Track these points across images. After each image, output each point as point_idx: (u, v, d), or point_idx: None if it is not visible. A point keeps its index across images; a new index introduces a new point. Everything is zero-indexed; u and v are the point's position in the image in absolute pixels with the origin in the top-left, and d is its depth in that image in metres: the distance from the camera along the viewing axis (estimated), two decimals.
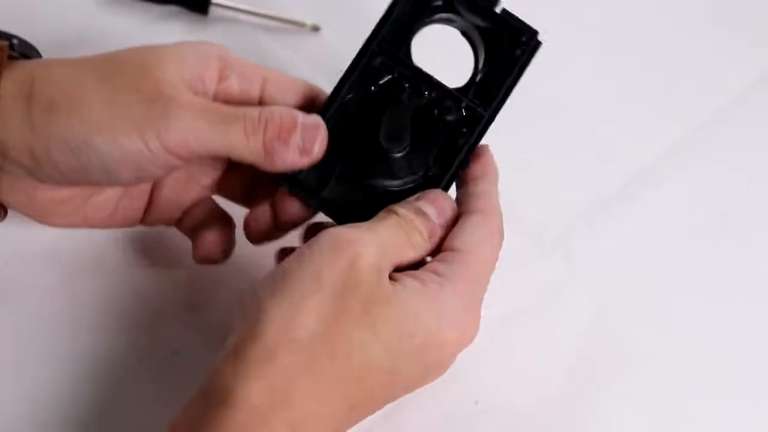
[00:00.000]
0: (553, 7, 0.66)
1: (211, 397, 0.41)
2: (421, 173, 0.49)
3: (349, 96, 0.49)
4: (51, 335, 0.51)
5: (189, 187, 0.52)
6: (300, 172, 0.47)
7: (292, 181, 0.48)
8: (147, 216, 0.52)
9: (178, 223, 0.53)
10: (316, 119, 0.47)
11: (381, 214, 0.47)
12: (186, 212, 0.52)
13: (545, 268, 0.57)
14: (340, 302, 0.43)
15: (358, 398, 0.44)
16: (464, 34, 0.51)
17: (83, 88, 0.45)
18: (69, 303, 0.52)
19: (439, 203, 0.48)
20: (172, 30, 0.62)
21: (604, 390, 0.53)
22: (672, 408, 0.53)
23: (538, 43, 0.50)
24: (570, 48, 0.65)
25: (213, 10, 0.63)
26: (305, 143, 0.46)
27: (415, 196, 0.48)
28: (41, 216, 0.49)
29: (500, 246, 0.49)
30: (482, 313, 0.50)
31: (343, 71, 0.49)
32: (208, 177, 0.52)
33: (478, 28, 0.50)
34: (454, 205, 0.48)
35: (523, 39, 0.50)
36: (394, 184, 0.49)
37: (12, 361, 0.50)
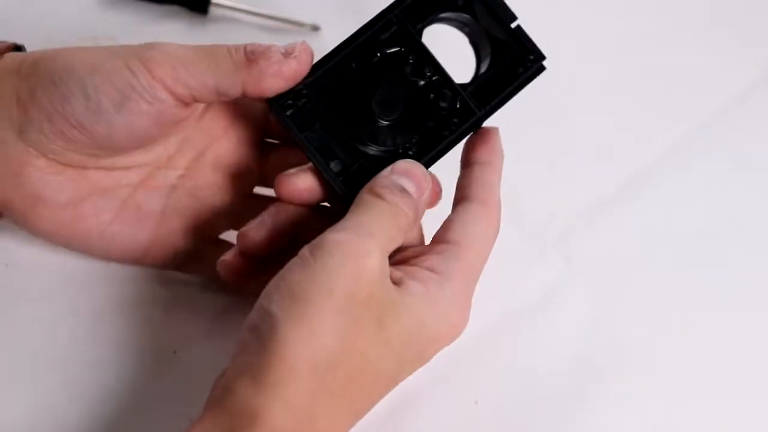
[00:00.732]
0: (553, 7, 0.67)
1: (232, 418, 0.41)
2: (400, 149, 0.49)
3: (354, 55, 0.49)
4: (51, 337, 0.51)
5: (204, 219, 0.52)
6: (288, 106, 0.48)
7: (282, 114, 0.48)
8: (150, 250, 0.51)
9: (187, 265, 0.52)
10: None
11: (365, 197, 0.46)
12: (198, 253, 0.52)
13: (545, 268, 0.57)
14: (354, 318, 0.42)
15: (365, 407, 0.44)
16: (472, 41, 0.52)
17: (73, 48, 0.47)
18: (69, 304, 0.52)
19: (416, 177, 0.47)
20: (172, 29, 0.63)
21: (604, 390, 0.53)
22: (672, 408, 0.53)
23: (542, 68, 0.51)
24: (570, 48, 0.65)
25: (213, 10, 0.63)
26: (287, 49, 0.47)
27: (389, 168, 0.47)
28: (29, 207, 0.48)
29: (495, 239, 0.48)
30: (482, 312, 0.50)
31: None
32: (226, 197, 0.52)
33: (489, 36, 0.51)
34: (428, 175, 0.48)
35: (531, 58, 0.51)
36: (374, 149, 0.49)
37: (11, 363, 0.50)
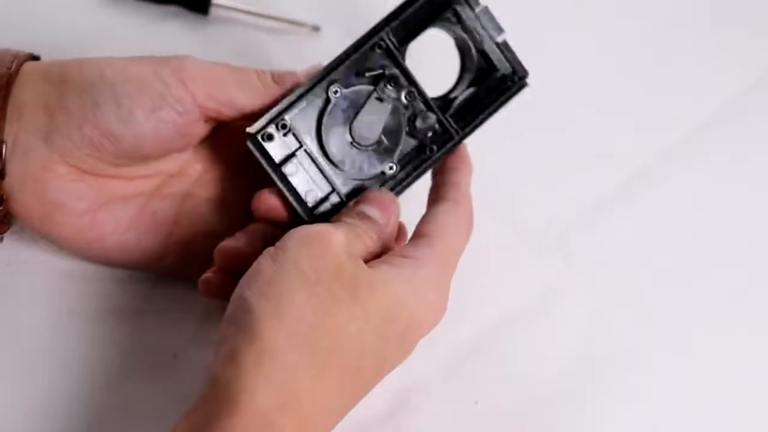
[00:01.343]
0: (553, 7, 0.67)
1: (215, 404, 0.41)
2: (380, 171, 0.50)
3: (338, 80, 0.49)
4: (51, 337, 0.51)
5: (215, 227, 0.52)
6: (269, 137, 0.48)
7: (254, 148, 0.48)
8: (164, 257, 0.52)
9: (201, 273, 0.51)
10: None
11: (328, 223, 0.48)
12: (211, 261, 0.51)
13: (545, 268, 0.57)
14: (328, 291, 0.43)
15: (356, 388, 0.44)
16: (459, 47, 0.52)
17: (102, 58, 0.48)
18: (69, 305, 0.52)
19: (381, 203, 0.48)
20: (173, 30, 0.63)
21: (603, 390, 0.53)
22: (672, 408, 0.53)
23: (524, 85, 0.51)
24: (570, 48, 0.65)
25: (213, 11, 0.63)
26: (308, 70, 0.50)
27: (355, 200, 0.49)
28: (47, 213, 0.48)
29: (469, 232, 0.50)
30: (482, 312, 0.50)
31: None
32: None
33: (476, 48, 0.51)
34: (397, 201, 0.49)
35: (514, 75, 0.51)
36: (351, 174, 0.50)
37: (11, 363, 0.50)
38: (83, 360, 0.50)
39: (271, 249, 0.44)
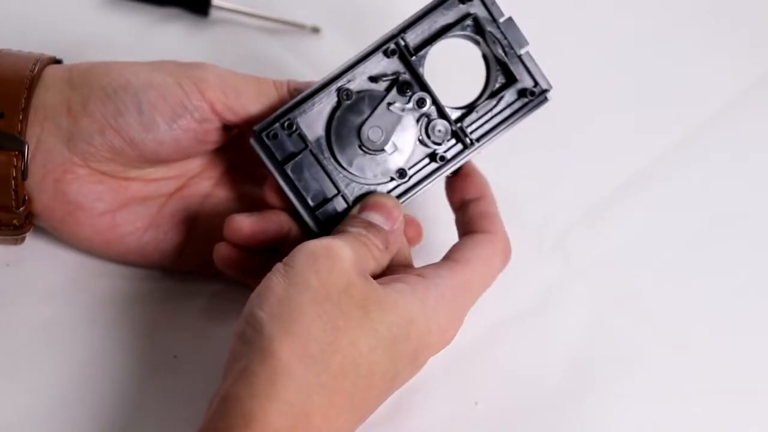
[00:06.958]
0: (553, 7, 0.67)
1: (226, 421, 0.41)
2: (388, 177, 0.50)
3: (351, 83, 0.49)
4: (51, 337, 0.51)
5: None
6: (274, 136, 0.48)
7: (258, 147, 0.48)
8: (183, 255, 0.52)
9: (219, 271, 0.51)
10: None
11: (333, 233, 0.47)
12: None
13: (545, 268, 0.57)
14: (338, 308, 0.43)
15: (365, 408, 0.44)
16: (484, 56, 0.51)
17: (123, 63, 0.49)
18: (70, 305, 0.52)
19: (384, 209, 0.48)
20: (173, 32, 0.63)
21: (603, 390, 0.53)
22: (672, 408, 0.53)
23: (545, 99, 0.50)
24: (570, 48, 0.65)
25: (213, 12, 0.63)
26: None
27: (357, 207, 0.48)
28: (67, 214, 0.49)
29: (505, 262, 0.50)
30: (482, 313, 0.50)
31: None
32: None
33: (497, 59, 0.50)
34: (400, 206, 0.49)
35: (534, 89, 0.50)
36: (358, 179, 0.49)
37: (11, 364, 0.50)
38: (83, 358, 0.51)
39: (280, 265, 0.44)
